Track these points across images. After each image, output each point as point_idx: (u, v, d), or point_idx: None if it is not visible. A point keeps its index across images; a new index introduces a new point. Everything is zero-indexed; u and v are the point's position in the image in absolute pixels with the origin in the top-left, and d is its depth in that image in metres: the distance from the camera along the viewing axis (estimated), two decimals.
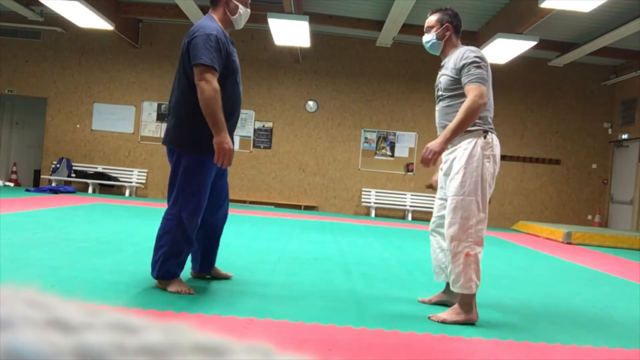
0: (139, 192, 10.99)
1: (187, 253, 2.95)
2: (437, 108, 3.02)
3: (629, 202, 10.45)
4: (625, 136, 10.74)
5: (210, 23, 2.87)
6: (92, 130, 11.04)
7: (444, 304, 3.04)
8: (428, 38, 3.04)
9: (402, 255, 5.16)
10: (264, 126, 11.01)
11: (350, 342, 2.32)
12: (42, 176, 10.93)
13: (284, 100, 11.01)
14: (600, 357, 2.39)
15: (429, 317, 2.76)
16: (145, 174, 10.95)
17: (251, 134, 10.99)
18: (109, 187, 10.88)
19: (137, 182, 10.83)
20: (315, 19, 8.79)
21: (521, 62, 10.29)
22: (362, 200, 10.95)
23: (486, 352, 2.32)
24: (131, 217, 6.63)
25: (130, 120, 11.00)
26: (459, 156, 2.77)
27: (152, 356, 0.21)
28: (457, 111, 2.80)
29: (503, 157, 11.08)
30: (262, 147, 11.01)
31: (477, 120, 2.76)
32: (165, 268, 2.85)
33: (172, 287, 2.85)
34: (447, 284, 3.03)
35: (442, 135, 2.72)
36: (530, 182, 11.16)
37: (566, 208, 11.19)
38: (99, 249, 4.05)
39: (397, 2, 7.80)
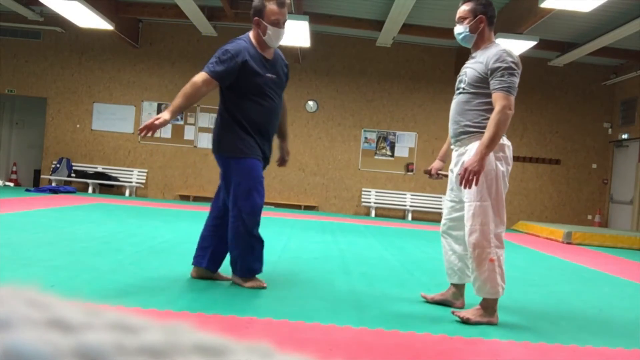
0: (139, 192, 10.99)
1: (259, 248, 3.14)
2: (454, 100, 2.89)
3: (629, 202, 10.45)
4: (625, 136, 10.74)
5: (240, 39, 3.11)
6: (92, 130, 11.04)
7: (445, 303, 3.03)
8: (460, 30, 2.88)
9: (402, 255, 5.16)
10: None
11: (350, 342, 2.32)
12: (42, 176, 10.93)
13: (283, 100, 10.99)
14: (600, 357, 2.39)
15: (453, 312, 2.77)
16: (145, 174, 10.95)
17: None
18: (109, 187, 10.88)
19: (137, 182, 10.83)
20: (315, 19, 8.79)
21: (521, 62, 10.26)
22: (362, 200, 10.95)
23: (486, 352, 2.32)
24: (131, 217, 6.63)
25: (130, 120, 11.00)
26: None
27: (152, 356, 0.21)
28: (475, 110, 2.77)
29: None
30: None
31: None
32: (245, 266, 3.07)
33: (249, 283, 3.08)
34: (452, 285, 3.04)
35: (477, 152, 2.61)
36: (530, 182, 11.16)
37: (566, 208, 11.19)
38: (99, 249, 4.05)
39: (397, 2, 7.80)
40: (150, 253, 4.09)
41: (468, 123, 2.79)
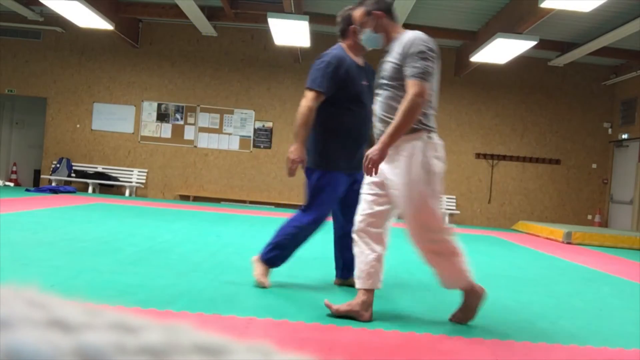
0: (139, 192, 10.99)
1: (291, 253, 3.22)
2: (378, 98, 2.70)
3: (629, 202, 10.45)
4: (625, 136, 10.74)
5: (334, 49, 3.21)
6: (92, 130, 11.04)
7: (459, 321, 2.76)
8: (364, 36, 2.78)
9: (402, 255, 5.16)
10: (263, 126, 11.00)
11: (350, 342, 2.32)
12: (42, 176, 10.93)
13: (284, 100, 11.01)
14: (600, 357, 2.39)
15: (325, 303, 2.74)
16: (145, 174, 10.95)
17: (251, 133, 10.99)
18: (109, 187, 10.88)
19: (137, 182, 10.83)
20: (315, 19, 8.79)
21: (521, 62, 10.28)
22: None
23: (486, 352, 2.32)
24: (131, 217, 6.63)
25: (130, 120, 11.00)
26: (401, 164, 2.54)
27: (152, 356, 0.21)
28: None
29: (503, 157, 11.10)
30: (262, 147, 11.01)
31: (420, 118, 2.52)
32: (272, 254, 3.17)
33: (257, 271, 3.19)
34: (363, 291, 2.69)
35: (381, 142, 2.49)
36: (530, 182, 11.16)
37: (566, 208, 11.19)
38: (99, 249, 4.05)
39: (397, 2, 7.79)
40: (150, 253, 4.09)
41: (383, 115, 2.63)
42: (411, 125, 2.48)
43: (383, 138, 2.49)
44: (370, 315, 2.63)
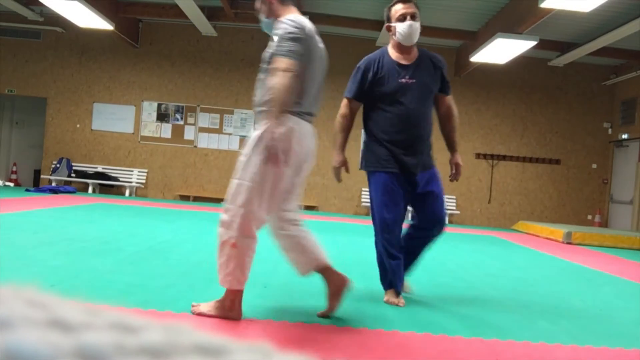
0: (139, 192, 10.98)
1: (393, 265, 3.04)
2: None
3: (629, 202, 10.45)
4: (625, 136, 10.74)
5: (376, 52, 3.22)
6: (92, 130, 11.04)
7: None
8: (262, 23, 2.75)
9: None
10: None
11: (350, 342, 2.32)
12: (42, 176, 10.93)
13: None
14: (600, 357, 2.39)
15: (193, 305, 2.55)
16: (145, 174, 10.95)
17: None
18: (109, 187, 10.88)
19: (137, 182, 10.83)
20: (315, 19, 8.79)
21: (521, 62, 10.28)
22: (362, 200, 10.95)
23: (486, 352, 2.32)
24: (131, 217, 6.63)
25: (130, 120, 11.00)
26: (251, 138, 2.50)
27: (152, 356, 0.21)
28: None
29: (503, 157, 11.09)
30: None
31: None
32: (386, 280, 3.09)
33: (385, 297, 3.06)
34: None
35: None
36: (530, 182, 11.16)
37: (566, 208, 11.19)
38: (99, 249, 4.05)
39: None
40: (150, 253, 4.09)
41: (258, 100, 2.54)
42: (285, 100, 2.35)
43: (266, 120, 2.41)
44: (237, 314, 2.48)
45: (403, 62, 3.10)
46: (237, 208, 2.42)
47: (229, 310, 2.46)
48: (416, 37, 3.06)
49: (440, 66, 3.16)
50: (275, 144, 2.34)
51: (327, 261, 2.64)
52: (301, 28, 2.50)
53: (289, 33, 2.44)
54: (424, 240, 3.16)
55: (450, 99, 3.23)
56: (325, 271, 2.64)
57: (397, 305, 2.98)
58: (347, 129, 3.20)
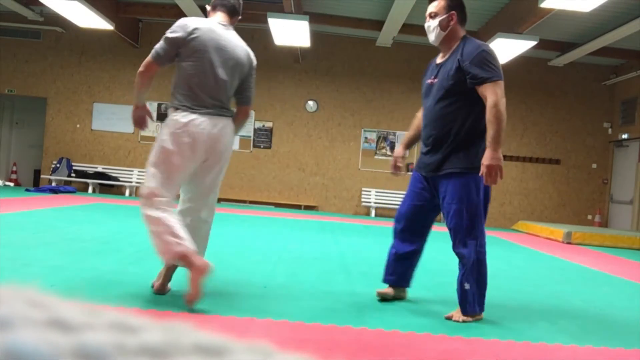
0: (139, 192, 10.98)
1: (388, 254, 3.11)
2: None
3: (629, 202, 10.44)
4: (625, 136, 10.74)
5: None
6: (92, 130, 11.04)
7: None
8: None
9: None
10: (263, 126, 11.01)
11: (350, 342, 2.32)
12: (42, 176, 10.93)
13: (283, 100, 11.01)
14: (600, 357, 2.39)
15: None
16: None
17: (251, 133, 10.99)
18: (109, 187, 10.88)
19: (137, 182, 10.83)
20: (315, 19, 8.79)
21: (521, 62, 10.28)
22: (362, 200, 10.95)
23: (486, 352, 2.32)
24: (131, 217, 6.63)
25: (130, 120, 10.97)
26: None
27: (152, 356, 0.21)
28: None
29: (503, 157, 11.08)
30: (262, 147, 11.01)
31: (176, 97, 2.78)
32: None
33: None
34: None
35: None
36: (530, 182, 11.16)
37: (566, 208, 11.19)
38: (99, 249, 4.05)
39: (397, 2, 7.79)
40: (150, 253, 4.07)
41: None
42: (136, 90, 2.83)
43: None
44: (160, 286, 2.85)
45: (438, 61, 3.04)
46: (144, 184, 2.99)
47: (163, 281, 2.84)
48: (433, 36, 2.99)
49: (459, 58, 2.84)
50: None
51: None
52: (178, 26, 2.78)
53: (164, 35, 2.76)
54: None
55: (484, 89, 2.73)
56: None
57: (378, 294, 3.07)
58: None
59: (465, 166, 2.78)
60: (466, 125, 2.81)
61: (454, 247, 2.82)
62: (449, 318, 2.76)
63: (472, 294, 2.74)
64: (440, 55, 3.04)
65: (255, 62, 3.02)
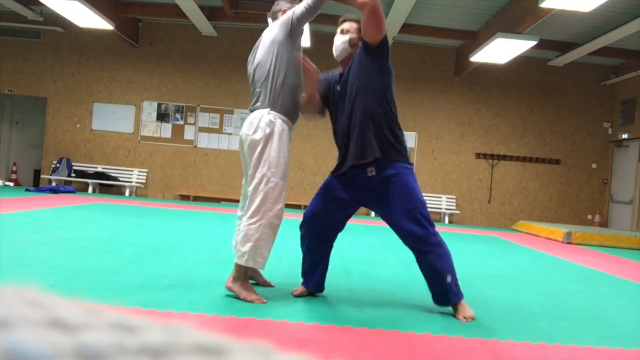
0: (139, 192, 10.98)
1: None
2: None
3: (629, 202, 10.45)
4: (625, 136, 10.74)
5: None
6: (92, 130, 11.04)
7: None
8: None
9: (402, 255, 5.16)
10: None
11: (350, 342, 2.32)
12: (42, 176, 10.93)
13: None
14: (600, 357, 2.39)
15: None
16: (145, 174, 10.95)
17: None
18: (108, 186, 10.88)
19: (137, 182, 10.83)
20: (315, 19, 8.78)
21: (521, 62, 10.29)
22: None
23: (486, 352, 2.32)
24: (131, 216, 6.63)
25: (130, 120, 11.00)
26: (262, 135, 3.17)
27: (152, 356, 0.21)
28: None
29: (503, 157, 11.09)
30: None
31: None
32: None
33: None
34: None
35: None
36: (530, 181, 11.16)
37: (566, 208, 11.19)
38: (99, 249, 4.05)
39: (397, 2, 7.79)
40: (150, 253, 4.09)
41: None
42: None
43: None
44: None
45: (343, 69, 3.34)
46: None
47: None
48: (339, 51, 3.24)
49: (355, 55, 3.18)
50: None
51: None
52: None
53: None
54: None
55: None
56: None
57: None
58: None
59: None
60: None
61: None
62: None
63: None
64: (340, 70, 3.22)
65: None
